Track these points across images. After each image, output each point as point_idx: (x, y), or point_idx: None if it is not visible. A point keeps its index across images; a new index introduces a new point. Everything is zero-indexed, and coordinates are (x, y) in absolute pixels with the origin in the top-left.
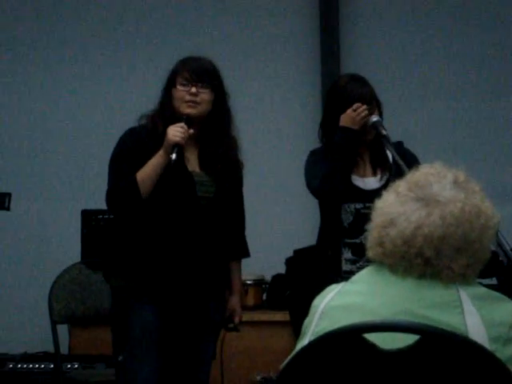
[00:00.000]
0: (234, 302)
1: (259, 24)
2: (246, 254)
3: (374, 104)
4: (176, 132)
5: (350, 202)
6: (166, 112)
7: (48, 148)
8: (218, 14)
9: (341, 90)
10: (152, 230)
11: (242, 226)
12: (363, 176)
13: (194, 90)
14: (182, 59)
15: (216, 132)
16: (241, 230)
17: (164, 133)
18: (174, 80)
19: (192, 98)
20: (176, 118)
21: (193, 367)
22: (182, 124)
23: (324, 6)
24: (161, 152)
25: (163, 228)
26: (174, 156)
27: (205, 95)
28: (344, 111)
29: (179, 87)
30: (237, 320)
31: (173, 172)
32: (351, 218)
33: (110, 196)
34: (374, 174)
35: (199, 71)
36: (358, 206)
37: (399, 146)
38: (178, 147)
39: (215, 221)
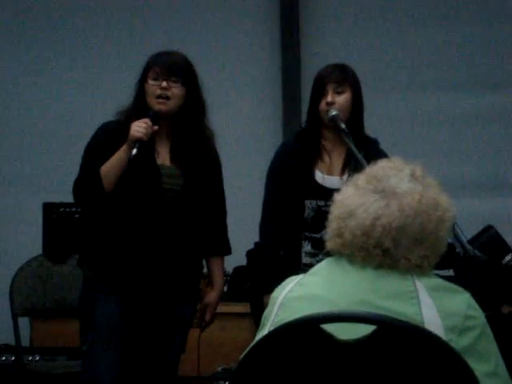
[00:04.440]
0: (210, 298)
1: (220, 18)
2: (227, 251)
3: (345, 86)
4: (138, 128)
5: (312, 198)
6: (139, 107)
7: (9, 141)
8: (183, 7)
9: (319, 71)
10: (118, 222)
11: (222, 221)
12: (327, 174)
13: (164, 84)
14: (154, 54)
15: (188, 126)
16: (221, 226)
17: None
18: (146, 75)
19: (163, 93)
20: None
21: (159, 361)
22: (147, 120)
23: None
24: (124, 147)
25: (129, 220)
26: (134, 151)
27: (176, 90)
28: (315, 93)
29: (150, 82)
30: (207, 317)
31: (137, 166)
32: (312, 214)
33: (75, 188)
34: (342, 172)
35: (170, 66)
36: (320, 203)
37: (373, 145)
38: (140, 142)
39: (184, 213)
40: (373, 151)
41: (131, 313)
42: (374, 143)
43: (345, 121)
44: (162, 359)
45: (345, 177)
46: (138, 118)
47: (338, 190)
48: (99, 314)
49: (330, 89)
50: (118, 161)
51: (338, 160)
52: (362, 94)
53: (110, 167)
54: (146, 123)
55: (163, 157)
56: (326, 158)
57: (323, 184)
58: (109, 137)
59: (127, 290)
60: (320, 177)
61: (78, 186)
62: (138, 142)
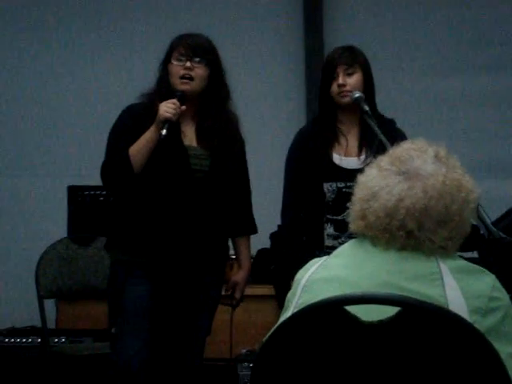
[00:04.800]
0: (238, 276)
1: (242, 3)
2: (253, 231)
3: (355, 67)
4: (167, 108)
5: (332, 181)
6: (163, 88)
7: (34, 124)
8: None
9: (328, 54)
10: (148, 204)
11: (248, 201)
12: (345, 155)
13: (188, 64)
14: (178, 35)
15: (213, 107)
16: (246, 206)
17: None
18: (170, 56)
19: (186, 72)
20: (172, 94)
21: (187, 343)
22: (175, 100)
23: None
24: (152, 127)
25: (159, 201)
26: (164, 132)
27: (199, 70)
28: (326, 76)
29: (174, 62)
30: (237, 295)
31: (164, 147)
32: (333, 197)
33: (104, 170)
34: (359, 153)
35: (194, 46)
36: (340, 185)
37: (390, 124)
38: (169, 123)
39: (212, 194)
40: (389, 130)
41: (160, 295)
42: (389, 122)
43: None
44: (189, 341)
45: (362, 157)
46: (162, 99)
47: (356, 170)
48: (129, 297)
49: (340, 71)
50: (147, 141)
51: (353, 141)
52: (372, 74)
53: (139, 148)
54: (174, 103)
55: (189, 138)
56: (343, 141)
57: (341, 165)
58: (134, 119)
59: (157, 271)
60: (337, 158)
61: (107, 168)
62: (167, 122)
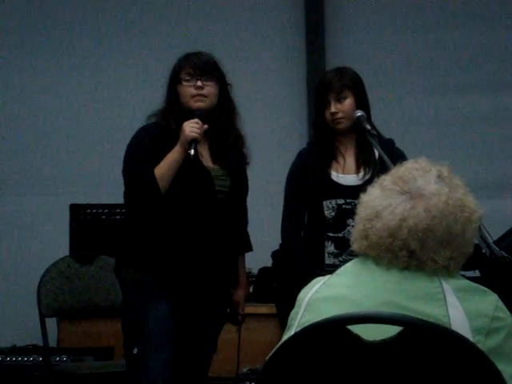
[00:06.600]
0: (240, 295)
1: (245, 20)
2: (250, 248)
3: (345, 92)
4: (193, 128)
5: (331, 198)
6: (175, 109)
7: (37, 142)
8: (206, 8)
9: (319, 80)
10: (170, 224)
11: (245, 219)
12: (343, 173)
13: (199, 83)
14: (182, 56)
15: (224, 123)
16: (245, 224)
17: (177, 129)
18: (178, 76)
19: (199, 92)
20: (185, 114)
21: (199, 361)
22: (197, 120)
23: (309, 1)
24: (177, 148)
25: (181, 222)
26: (192, 152)
27: (210, 88)
28: (319, 101)
29: (184, 83)
30: (241, 311)
31: (190, 167)
32: (333, 214)
33: (130, 193)
34: (357, 171)
35: (202, 65)
36: (340, 201)
37: (389, 144)
38: (195, 142)
39: (231, 214)
40: (388, 150)
41: (179, 314)
42: (388, 142)
43: (352, 123)
44: (201, 359)
45: (361, 174)
46: (176, 120)
47: (355, 187)
48: (151, 317)
49: (331, 99)
50: (173, 162)
51: (351, 159)
52: (366, 93)
53: (166, 169)
54: (197, 123)
55: (206, 158)
56: (340, 159)
57: (339, 182)
58: (151, 140)
59: (177, 291)
60: (336, 176)
61: (133, 190)
62: (193, 142)
